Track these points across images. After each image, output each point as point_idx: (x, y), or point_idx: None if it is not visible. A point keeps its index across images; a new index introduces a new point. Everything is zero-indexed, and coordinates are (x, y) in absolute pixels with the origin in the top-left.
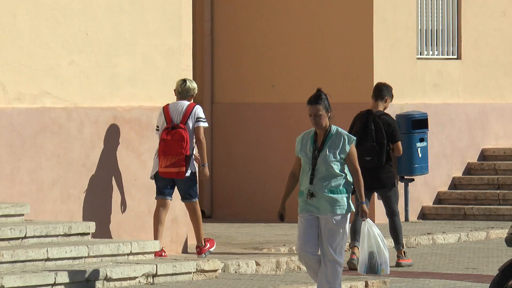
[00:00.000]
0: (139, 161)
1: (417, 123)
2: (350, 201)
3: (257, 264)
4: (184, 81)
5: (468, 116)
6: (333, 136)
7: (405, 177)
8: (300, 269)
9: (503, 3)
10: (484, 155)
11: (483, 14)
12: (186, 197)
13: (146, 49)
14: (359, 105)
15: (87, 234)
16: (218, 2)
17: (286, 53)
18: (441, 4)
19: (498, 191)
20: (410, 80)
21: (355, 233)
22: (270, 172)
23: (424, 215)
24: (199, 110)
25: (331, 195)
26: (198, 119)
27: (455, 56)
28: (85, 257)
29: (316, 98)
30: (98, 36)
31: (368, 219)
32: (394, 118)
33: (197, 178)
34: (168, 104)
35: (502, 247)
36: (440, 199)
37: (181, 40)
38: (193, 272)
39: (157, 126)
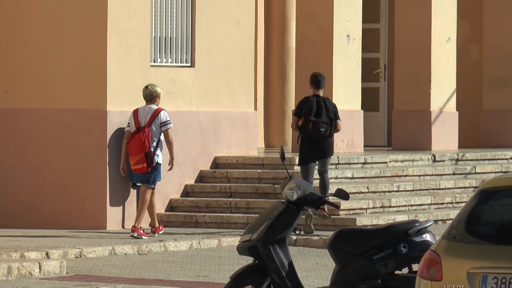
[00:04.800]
0: None
1: None
2: None
3: None
4: (146, 86)
5: (201, 124)
6: None
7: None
8: (31, 275)
9: (237, 12)
10: (216, 163)
11: (217, 22)
12: (144, 181)
13: None
14: (93, 111)
15: None
16: None
17: (20, 58)
18: (175, 12)
19: (231, 199)
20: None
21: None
22: (5, 177)
23: None
24: (163, 115)
25: None
26: (163, 123)
27: (189, 64)
28: None
29: None
30: None
31: None
32: None
33: (160, 169)
34: (137, 108)
35: (233, 255)
36: (172, 206)
37: None
38: None
39: (128, 123)
